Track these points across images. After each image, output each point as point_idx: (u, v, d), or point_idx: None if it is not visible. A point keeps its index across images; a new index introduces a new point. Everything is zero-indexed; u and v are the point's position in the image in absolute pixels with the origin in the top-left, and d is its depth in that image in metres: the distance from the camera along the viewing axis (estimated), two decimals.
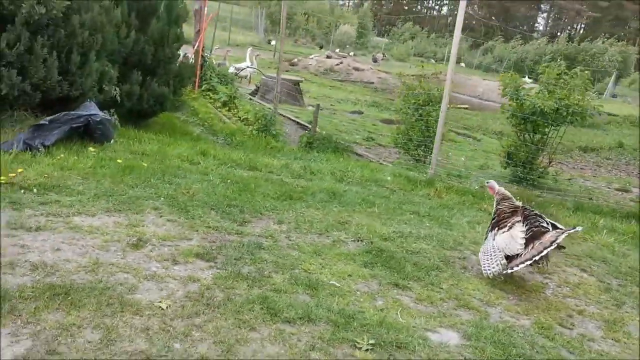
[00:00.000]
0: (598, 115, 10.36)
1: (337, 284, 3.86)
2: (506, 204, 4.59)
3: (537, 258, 4.14)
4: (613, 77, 36.53)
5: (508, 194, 4.69)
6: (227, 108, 11.58)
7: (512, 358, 3.27)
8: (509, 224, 4.47)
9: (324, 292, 3.71)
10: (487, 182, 4.94)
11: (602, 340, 3.74)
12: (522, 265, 4.18)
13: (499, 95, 8.56)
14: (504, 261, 4.20)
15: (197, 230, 4.47)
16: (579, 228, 4.47)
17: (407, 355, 3.14)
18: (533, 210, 4.56)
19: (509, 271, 4.20)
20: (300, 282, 3.80)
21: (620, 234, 6.05)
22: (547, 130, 8.19)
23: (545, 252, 4.16)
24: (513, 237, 4.34)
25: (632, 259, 5.36)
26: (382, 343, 3.19)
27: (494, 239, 4.44)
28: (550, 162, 8.55)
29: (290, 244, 4.50)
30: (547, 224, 4.41)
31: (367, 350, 3.11)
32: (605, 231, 6.05)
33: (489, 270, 4.22)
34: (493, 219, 4.60)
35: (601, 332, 3.84)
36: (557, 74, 8.25)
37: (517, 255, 4.24)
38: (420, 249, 4.75)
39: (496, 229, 4.52)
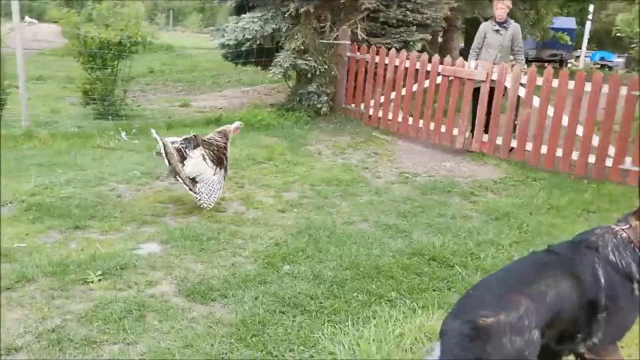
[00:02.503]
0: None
1: (24, 244, 3.79)
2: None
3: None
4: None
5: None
6: None
7: (205, 242, 4.05)
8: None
9: (18, 255, 3.63)
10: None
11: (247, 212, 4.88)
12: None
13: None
14: None
15: None
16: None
17: (133, 272, 3.54)
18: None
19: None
20: None
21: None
22: (115, 62, 8.68)
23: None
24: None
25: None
26: (107, 271, 3.49)
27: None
28: (125, 92, 9.15)
29: None
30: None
31: (99, 280, 3.38)
32: None
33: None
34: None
35: (244, 208, 4.97)
36: (108, 9, 8.70)
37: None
38: (72, 193, 4.88)
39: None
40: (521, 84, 7.13)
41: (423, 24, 9.87)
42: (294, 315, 3.17)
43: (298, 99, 9.04)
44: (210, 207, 4.74)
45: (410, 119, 8.30)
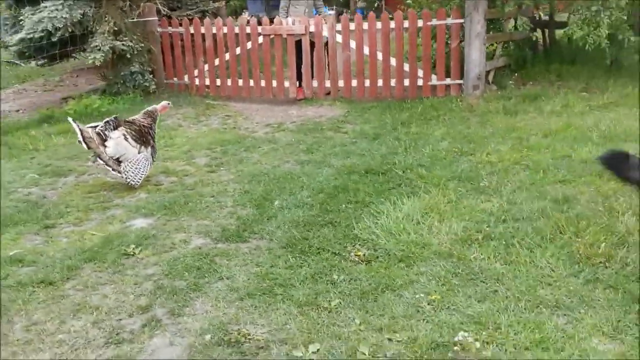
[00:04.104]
0: None
1: (19, 250, 3.69)
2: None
3: None
4: None
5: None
6: None
7: (184, 206, 4.37)
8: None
9: (27, 259, 3.55)
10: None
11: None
12: None
13: None
14: None
15: None
16: None
17: (157, 239, 3.78)
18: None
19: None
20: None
21: None
22: None
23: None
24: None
25: None
26: (137, 244, 3.68)
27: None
28: None
29: None
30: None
31: (140, 251, 3.59)
32: None
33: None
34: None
35: (175, 178, 5.26)
36: None
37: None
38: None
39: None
40: (337, 32, 8.33)
41: None
42: (318, 229, 3.84)
43: (122, 81, 8.93)
44: (138, 184, 4.86)
45: (240, 81, 8.95)
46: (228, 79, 9.01)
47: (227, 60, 8.94)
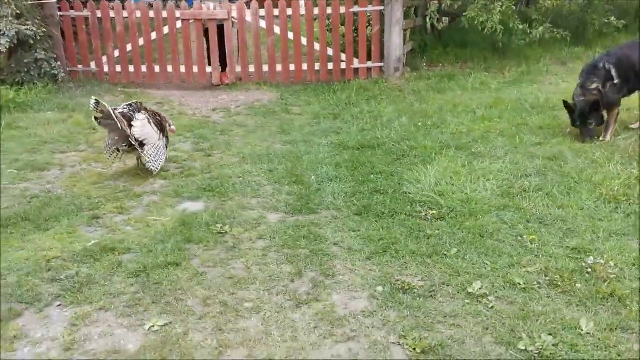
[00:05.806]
0: None
1: (95, 241, 3.52)
2: None
3: None
4: None
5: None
6: None
7: (223, 186, 4.43)
8: None
9: (125, 245, 3.43)
10: None
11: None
12: None
13: None
14: None
15: None
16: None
17: (240, 218, 3.85)
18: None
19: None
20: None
21: None
22: None
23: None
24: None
25: None
26: (220, 222, 3.72)
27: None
28: None
29: None
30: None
31: (230, 230, 3.64)
32: None
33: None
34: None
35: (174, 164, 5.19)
36: None
37: None
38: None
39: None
40: (261, 17, 8.50)
41: None
42: (369, 198, 4.20)
43: (26, 70, 8.14)
44: (157, 171, 4.78)
45: (157, 67, 8.70)
46: (143, 66, 8.69)
47: (141, 45, 8.61)
